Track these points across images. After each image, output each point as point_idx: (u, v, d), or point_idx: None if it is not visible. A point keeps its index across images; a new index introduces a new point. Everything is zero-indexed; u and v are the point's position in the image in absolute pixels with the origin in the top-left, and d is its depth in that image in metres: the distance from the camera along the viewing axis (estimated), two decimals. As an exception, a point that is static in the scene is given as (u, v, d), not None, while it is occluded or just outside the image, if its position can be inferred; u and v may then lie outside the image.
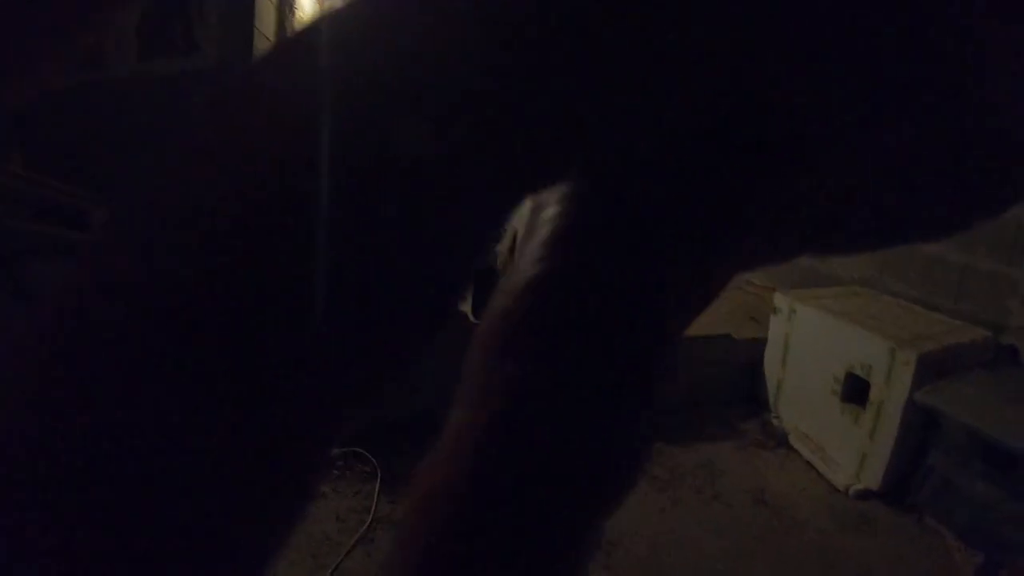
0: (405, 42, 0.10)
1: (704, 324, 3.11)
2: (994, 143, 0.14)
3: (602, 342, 0.12)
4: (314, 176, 0.09)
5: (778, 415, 3.10)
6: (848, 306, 2.93)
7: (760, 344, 3.22)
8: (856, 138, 0.13)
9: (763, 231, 0.14)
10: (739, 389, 3.25)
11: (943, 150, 0.14)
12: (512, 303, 0.13)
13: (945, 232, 0.16)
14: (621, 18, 0.10)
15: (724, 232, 0.13)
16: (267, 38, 3.34)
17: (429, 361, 0.12)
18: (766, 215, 0.13)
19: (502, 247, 2.29)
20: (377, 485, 2.41)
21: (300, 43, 0.10)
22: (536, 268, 0.13)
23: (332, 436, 0.10)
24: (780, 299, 3.10)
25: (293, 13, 3.93)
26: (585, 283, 0.13)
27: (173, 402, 0.09)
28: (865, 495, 2.61)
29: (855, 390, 2.72)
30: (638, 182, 0.13)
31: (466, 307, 2.67)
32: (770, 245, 0.15)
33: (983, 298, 2.81)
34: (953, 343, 2.64)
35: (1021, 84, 0.13)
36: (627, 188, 0.13)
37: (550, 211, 0.13)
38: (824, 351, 2.86)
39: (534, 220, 0.14)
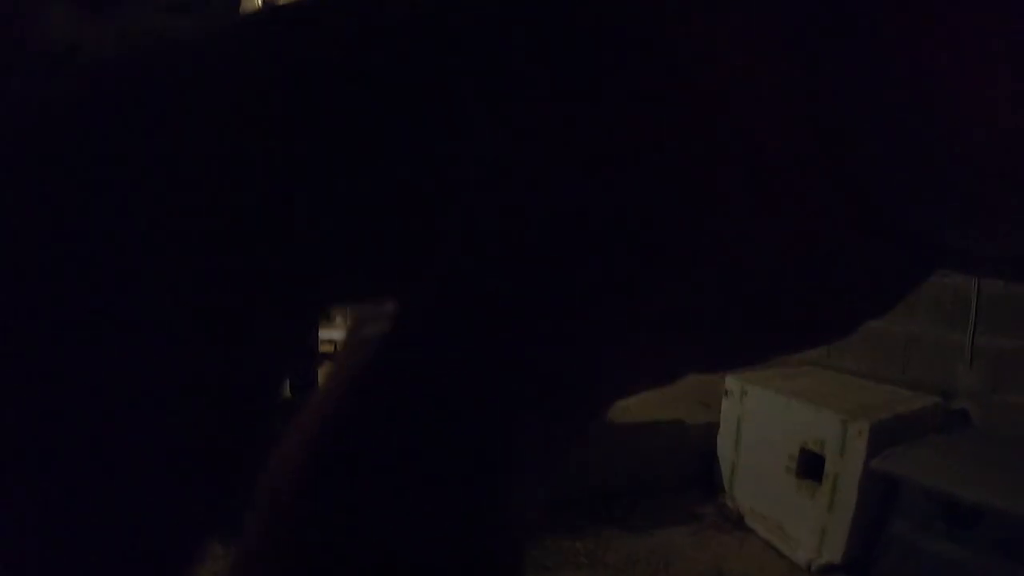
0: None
1: (655, 410, 3.06)
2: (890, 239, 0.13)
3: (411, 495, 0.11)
4: None
5: (733, 497, 3.01)
6: (798, 384, 2.93)
7: (713, 428, 3.17)
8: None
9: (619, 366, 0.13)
10: (693, 474, 3.16)
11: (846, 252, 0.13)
12: (308, 442, 0.12)
13: (831, 337, 0.15)
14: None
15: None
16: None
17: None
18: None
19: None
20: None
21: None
22: (341, 404, 0.12)
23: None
24: (731, 382, 3.08)
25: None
26: (393, 431, 0.12)
27: None
28: (828, 570, 2.51)
29: (810, 466, 2.68)
30: (466, 331, 0.12)
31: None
32: (643, 367, 0.14)
33: (930, 365, 2.82)
34: (904, 411, 2.63)
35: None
36: (455, 331, 0.12)
37: (368, 331, 0.12)
38: (777, 430, 2.83)
39: (352, 339, 0.13)
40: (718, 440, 3.16)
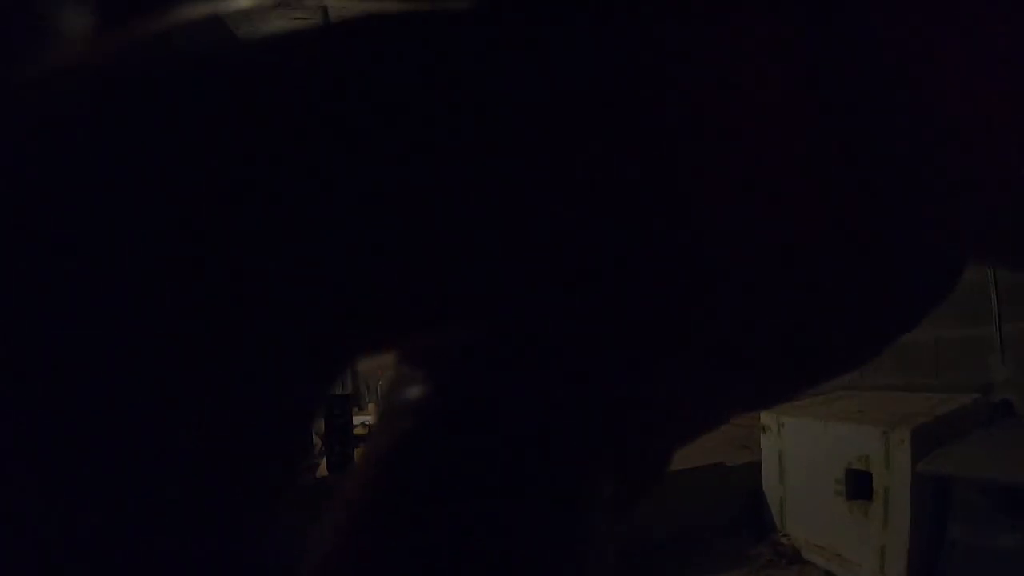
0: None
1: (694, 456, 2.97)
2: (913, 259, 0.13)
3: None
4: None
5: (786, 533, 2.86)
6: (834, 408, 2.85)
7: (755, 467, 3.06)
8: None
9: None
10: (741, 516, 3.03)
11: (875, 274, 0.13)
12: (355, 508, 0.12)
13: (863, 357, 0.15)
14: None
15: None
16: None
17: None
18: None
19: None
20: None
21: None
22: (387, 469, 0.12)
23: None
24: (767, 417, 3.00)
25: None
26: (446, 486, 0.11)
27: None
28: (892, 586, 2.34)
29: (858, 485, 2.56)
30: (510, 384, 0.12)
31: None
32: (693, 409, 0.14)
33: (963, 364, 2.73)
34: (944, 412, 2.53)
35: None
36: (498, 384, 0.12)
37: (412, 392, 0.12)
38: (819, 456, 2.73)
39: (391, 401, 0.12)
40: (762, 477, 3.05)
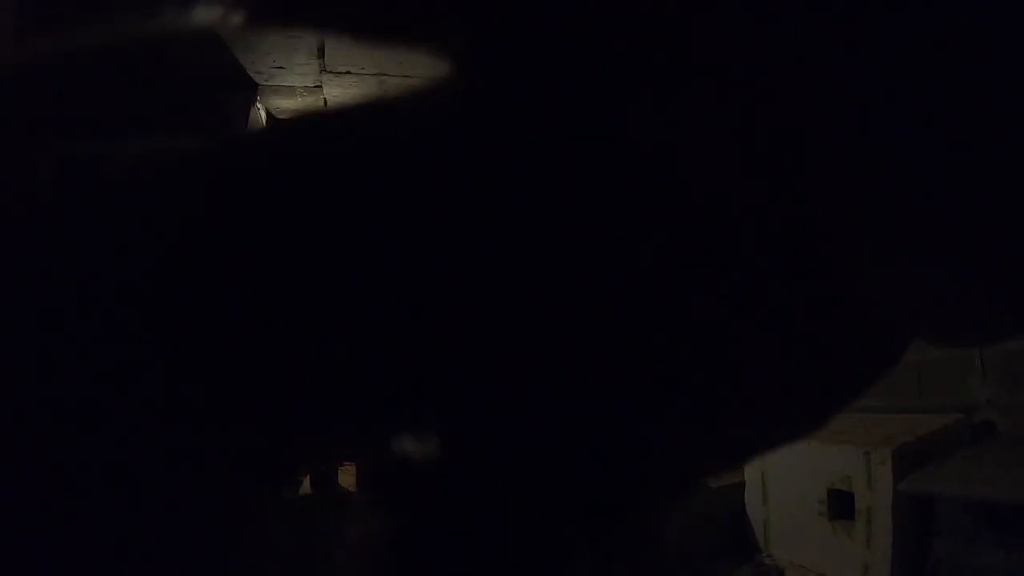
0: None
1: (677, 478, 2.97)
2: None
3: None
4: None
5: (770, 553, 2.86)
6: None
7: (739, 489, 3.06)
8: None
9: None
10: (725, 537, 3.01)
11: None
12: None
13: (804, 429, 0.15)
14: None
15: None
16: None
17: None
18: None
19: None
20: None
21: None
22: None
23: None
24: (749, 439, 3.01)
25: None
26: None
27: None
28: (876, 605, 2.33)
29: (841, 505, 2.57)
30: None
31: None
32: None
33: (945, 385, 2.74)
34: (926, 432, 2.54)
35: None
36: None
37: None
38: (802, 477, 2.73)
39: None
40: (746, 498, 3.05)
